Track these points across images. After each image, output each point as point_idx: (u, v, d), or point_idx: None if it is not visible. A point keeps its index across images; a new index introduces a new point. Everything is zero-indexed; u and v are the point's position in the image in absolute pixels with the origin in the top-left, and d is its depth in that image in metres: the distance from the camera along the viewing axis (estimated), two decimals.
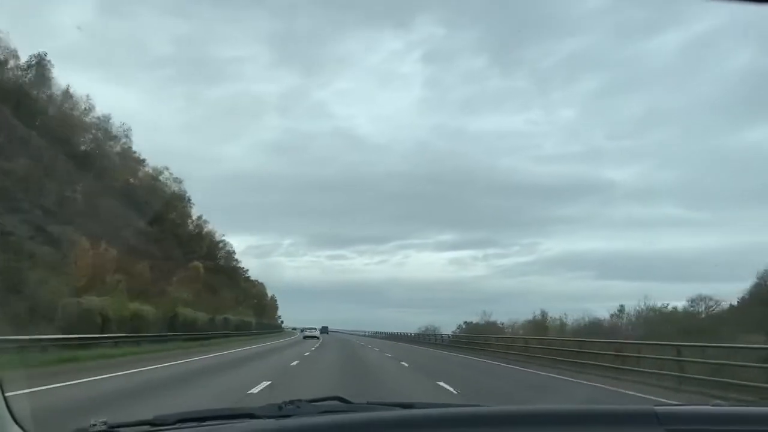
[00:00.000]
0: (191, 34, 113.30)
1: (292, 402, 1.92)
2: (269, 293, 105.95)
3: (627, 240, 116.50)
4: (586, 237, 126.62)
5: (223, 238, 72.46)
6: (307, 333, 67.52)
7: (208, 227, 67.13)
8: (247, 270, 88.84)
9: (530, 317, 51.68)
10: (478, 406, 1.85)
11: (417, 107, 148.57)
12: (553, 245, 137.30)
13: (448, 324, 63.11)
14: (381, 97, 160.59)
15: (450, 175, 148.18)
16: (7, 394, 1.74)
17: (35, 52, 46.07)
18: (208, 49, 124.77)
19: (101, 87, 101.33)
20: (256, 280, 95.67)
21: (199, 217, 64.32)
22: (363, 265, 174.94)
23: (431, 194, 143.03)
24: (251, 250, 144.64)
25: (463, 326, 61.11)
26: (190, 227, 62.60)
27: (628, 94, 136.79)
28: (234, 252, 76.99)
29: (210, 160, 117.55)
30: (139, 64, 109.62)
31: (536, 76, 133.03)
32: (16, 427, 1.71)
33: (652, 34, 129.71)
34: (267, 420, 1.73)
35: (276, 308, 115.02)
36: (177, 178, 60.14)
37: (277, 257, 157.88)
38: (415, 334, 65.02)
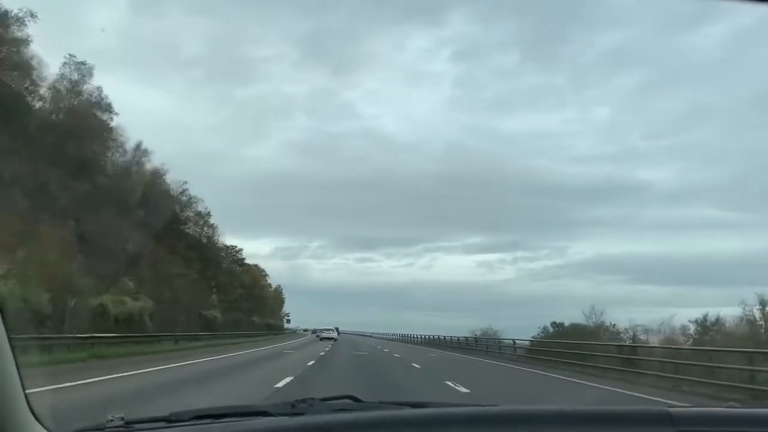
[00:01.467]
0: (220, 34, 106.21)
1: (304, 400, 1.92)
2: (273, 283, 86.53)
3: (660, 243, 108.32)
4: (618, 240, 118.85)
5: (185, 185, 49.81)
6: (324, 334, 65.26)
7: (170, 177, 45.57)
8: (240, 249, 68.36)
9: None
10: (491, 405, 1.81)
11: (447, 107, 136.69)
12: (584, 248, 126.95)
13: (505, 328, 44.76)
14: (410, 97, 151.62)
15: (480, 176, 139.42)
16: (27, 391, 1.62)
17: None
18: (237, 49, 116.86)
19: (131, 88, 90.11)
20: (255, 265, 75.08)
21: (142, 149, 41.15)
22: (390, 267, 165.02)
23: (460, 196, 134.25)
24: (279, 251, 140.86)
25: (550, 329, 39.56)
26: (135, 169, 40.32)
27: (666, 91, 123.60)
28: (209, 213, 54.72)
29: (237, 161, 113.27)
30: (168, 65, 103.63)
31: (572, 73, 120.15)
32: (36, 423, 1.64)
33: (695, 27, 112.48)
34: (281, 418, 1.73)
35: (281, 302, 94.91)
36: (106, 103, 36.62)
37: (304, 259, 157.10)
38: (461, 339, 43.54)
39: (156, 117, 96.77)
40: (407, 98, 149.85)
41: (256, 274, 75.68)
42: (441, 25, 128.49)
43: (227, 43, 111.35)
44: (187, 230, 50.60)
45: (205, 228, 55.13)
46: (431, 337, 53.92)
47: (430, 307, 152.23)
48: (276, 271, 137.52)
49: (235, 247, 66.60)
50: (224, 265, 59.90)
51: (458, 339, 43.88)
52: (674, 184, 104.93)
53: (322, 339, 59.54)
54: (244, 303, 62.37)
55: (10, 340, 1.51)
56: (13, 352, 1.53)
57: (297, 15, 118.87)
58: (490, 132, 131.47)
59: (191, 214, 52.08)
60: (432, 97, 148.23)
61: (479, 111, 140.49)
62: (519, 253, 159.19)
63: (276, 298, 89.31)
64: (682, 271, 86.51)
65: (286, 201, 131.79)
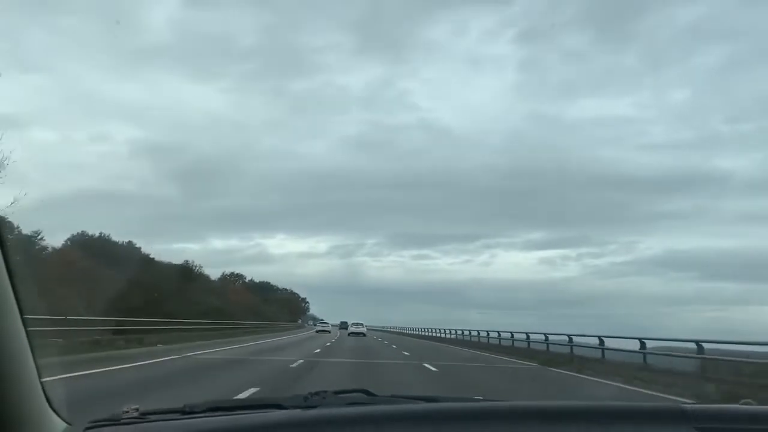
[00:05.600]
0: (274, 24, 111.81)
1: (317, 393, 1.90)
2: None
3: (739, 237, 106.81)
4: (691, 234, 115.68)
5: None
6: (353, 329, 58.83)
7: None
8: None
9: None
10: (504, 400, 1.77)
11: (509, 94, 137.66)
12: (655, 243, 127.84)
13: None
14: (470, 85, 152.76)
15: (544, 167, 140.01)
16: (43, 380, 1.60)
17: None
18: (292, 39, 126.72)
19: (188, 86, 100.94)
20: None
21: None
22: (447, 264, 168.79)
23: (522, 189, 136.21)
24: (335, 250, 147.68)
25: None
26: None
27: (753, 69, 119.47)
28: None
29: (293, 157, 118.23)
30: (223, 60, 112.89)
31: (647, 52, 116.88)
32: (51, 412, 1.62)
33: None
34: (294, 410, 1.71)
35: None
36: None
37: (361, 257, 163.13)
38: None
39: (212, 114, 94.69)
40: (467, 86, 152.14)
41: None
42: (505, 2, 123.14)
43: (282, 34, 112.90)
44: None
45: None
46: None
47: (487, 305, 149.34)
48: (333, 269, 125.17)
49: None
50: None
51: None
52: (758, 172, 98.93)
53: (350, 334, 53.67)
54: None
55: (25, 327, 1.46)
56: (29, 339, 1.50)
57: (352, 0, 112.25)
58: (555, 120, 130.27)
59: None
60: (493, 84, 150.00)
61: (544, 97, 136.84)
62: (584, 249, 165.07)
63: None
64: (762, 265, 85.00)
65: (342, 197, 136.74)
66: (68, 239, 44.99)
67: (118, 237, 47.03)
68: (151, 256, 48.82)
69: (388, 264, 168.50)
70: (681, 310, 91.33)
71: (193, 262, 56.04)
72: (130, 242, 48.74)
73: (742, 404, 1.70)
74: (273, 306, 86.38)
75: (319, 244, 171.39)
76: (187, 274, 51.97)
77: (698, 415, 1.50)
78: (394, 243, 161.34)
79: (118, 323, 26.79)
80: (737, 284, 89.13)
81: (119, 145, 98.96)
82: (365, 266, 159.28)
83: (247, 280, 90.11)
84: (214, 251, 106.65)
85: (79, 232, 46.70)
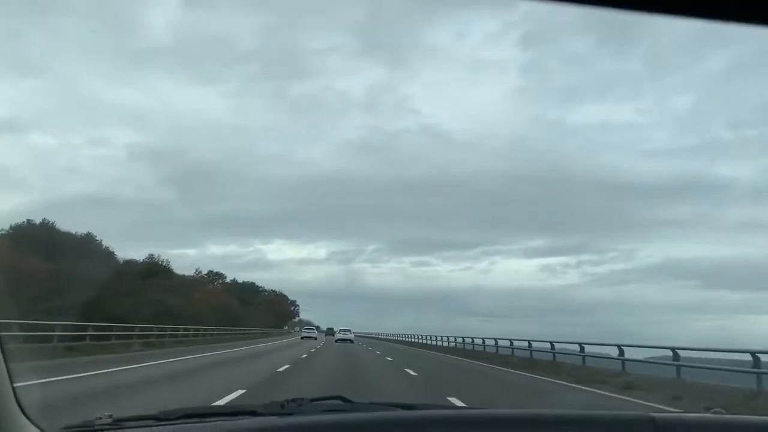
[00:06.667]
0: (275, 26, 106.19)
1: (294, 400, 1.90)
2: None
3: (741, 245, 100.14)
4: (692, 242, 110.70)
5: None
6: (340, 335, 57.30)
7: None
8: None
9: None
10: (479, 408, 1.83)
11: (511, 98, 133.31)
12: (655, 251, 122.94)
13: None
14: (472, 89, 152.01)
15: (546, 174, 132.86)
16: (15, 385, 1.60)
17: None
18: (293, 42, 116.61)
19: (187, 90, 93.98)
20: None
21: None
22: (447, 271, 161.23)
23: (523, 196, 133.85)
24: (335, 256, 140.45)
25: None
26: None
27: (758, 75, 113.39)
28: None
29: (292, 162, 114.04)
30: (223, 63, 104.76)
31: (651, 56, 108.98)
32: (23, 418, 1.64)
33: None
34: (270, 417, 1.72)
35: None
36: None
37: (360, 263, 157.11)
38: None
39: (211, 118, 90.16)
40: (469, 90, 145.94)
41: None
42: (507, 5, 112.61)
43: (282, 37, 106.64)
44: None
45: None
46: None
47: (488, 313, 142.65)
48: (332, 275, 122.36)
49: None
50: None
51: None
52: (761, 180, 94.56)
53: (339, 341, 51.64)
54: None
55: None
56: (0, 344, 1.48)
57: (353, 2, 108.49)
58: (557, 125, 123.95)
59: None
60: (495, 88, 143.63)
61: (546, 102, 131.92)
62: (584, 257, 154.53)
63: None
64: (763, 274, 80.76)
65: (342, 203, 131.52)
66: (11, 227, 40.46)
67: (77, 230, 42.62)
68: (111, 250, 44.27)
69: (388, 270, 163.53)
70: (681, 319, 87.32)
71: (158, 257, 51.14)
72: (89, 234, 44.51)
73: (713, 413, 1.67)
74: (256, 309, 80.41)
75: (319, 250, 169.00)
76: (151, 271, 46.83)
77: (667, 423, 1.53)
78: (394, 249, 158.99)
79: (20, 327, 21.64)
80: (736, 293, 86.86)
81: (118, 150, 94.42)
82: (364, 273, 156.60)
83: (228, 280, 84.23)
84: (212, 257, 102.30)
85: (24, 220, 42.30)
